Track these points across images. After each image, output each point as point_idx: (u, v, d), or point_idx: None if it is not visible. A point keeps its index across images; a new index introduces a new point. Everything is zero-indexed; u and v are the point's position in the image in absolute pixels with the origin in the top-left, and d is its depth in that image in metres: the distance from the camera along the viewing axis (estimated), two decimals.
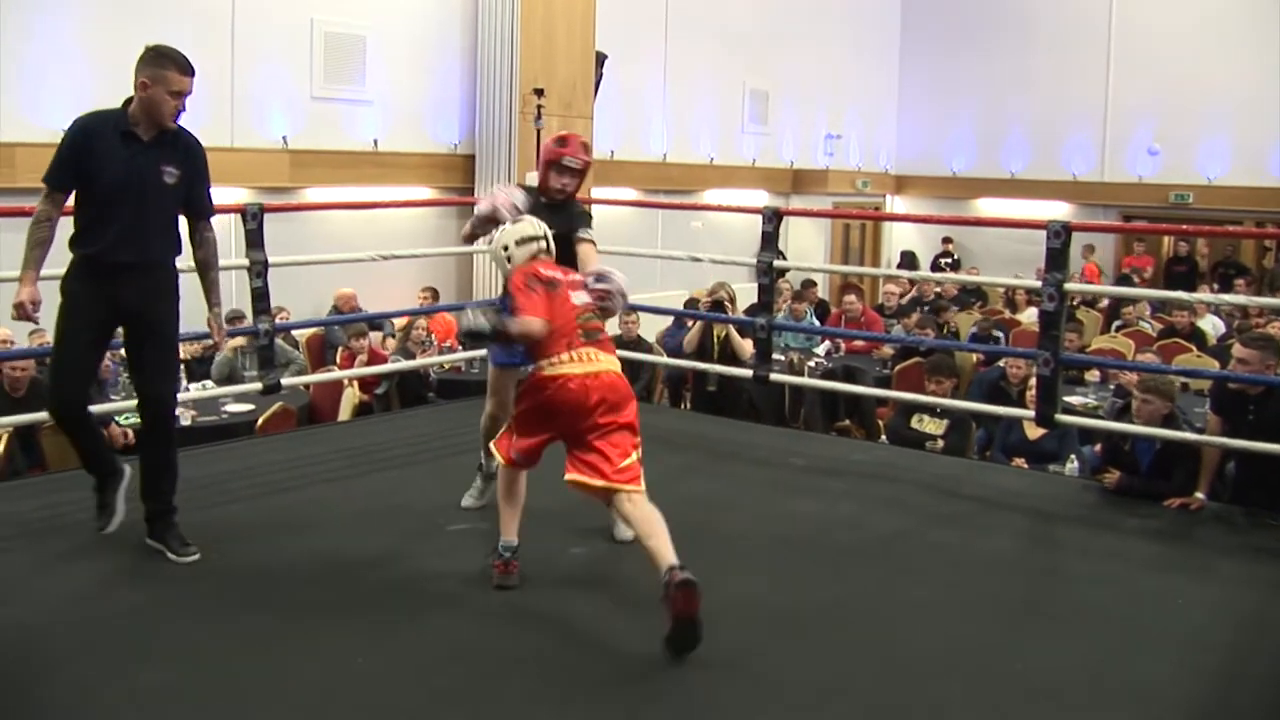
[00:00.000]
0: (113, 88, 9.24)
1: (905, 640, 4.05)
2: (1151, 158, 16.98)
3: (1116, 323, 12.81)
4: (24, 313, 4.30)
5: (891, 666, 3.84)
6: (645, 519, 4.02)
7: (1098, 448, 6.63)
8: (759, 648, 3.96)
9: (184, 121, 4.56)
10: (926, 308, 12.01)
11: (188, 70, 4.41)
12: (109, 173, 4.35)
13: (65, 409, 4.61)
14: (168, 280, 4.60)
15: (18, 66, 9.14)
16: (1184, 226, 13.55)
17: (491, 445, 4.61)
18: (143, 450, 4.79)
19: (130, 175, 4.38)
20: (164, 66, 4.35)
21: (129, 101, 4.41)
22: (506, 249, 4.51)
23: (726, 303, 8.68)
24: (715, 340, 8.74)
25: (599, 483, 4.13)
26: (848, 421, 9.17)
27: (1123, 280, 16.14)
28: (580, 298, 4.39)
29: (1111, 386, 8.77)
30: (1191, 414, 6.84)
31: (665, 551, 3.86)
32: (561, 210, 5.10)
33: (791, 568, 4.77)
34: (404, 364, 8.61)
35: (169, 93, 4.36)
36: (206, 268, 4.73)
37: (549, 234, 4.58)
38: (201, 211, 4.67)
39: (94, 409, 6.25)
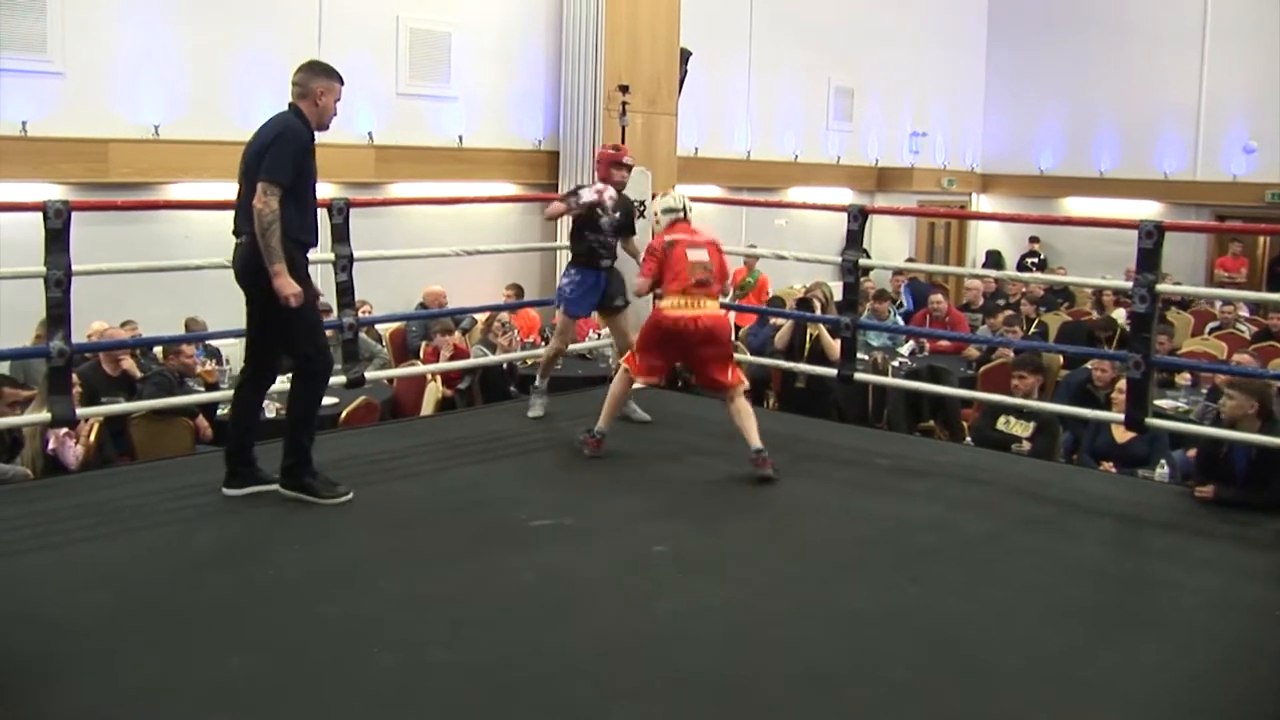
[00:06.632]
0: (203, 85, 9.56)
1: (986, 645, 3.99)
2: (1247, 156, 16.55)
3: (1211, 324, 12.53)
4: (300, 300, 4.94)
5: (971, 671, 3.78)
6: (738, 411, 5.86)
7: (1190, 453, 6.47)
8: (836, 648, 3.93)
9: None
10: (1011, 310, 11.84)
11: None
12: (315, 171, 5.08)
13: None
14: None
15: (110, 64, 9.33)
16: None
17: (623, 360, 6.26)
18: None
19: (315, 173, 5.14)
20: (334, 79, 5.10)
21: (295, 108, 5.02)
22: (656, 217, 6.10)
23: (817, 303, 8.60)
24: (807, 339, 8.68)
25: (719, 390, 5.92)
26: (931, 422, 9.04)
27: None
28: (696, 254, 5.81)
29: (1204, 391, 8.56)
30: None
31: (751, 436, 5.77)
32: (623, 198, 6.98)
33: (873, 569, 4.72)
34: (487, 359, 8.65)
35: (335, 101, 5.12)
36: None
37: (687, 204, 6.09)
38: None
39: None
